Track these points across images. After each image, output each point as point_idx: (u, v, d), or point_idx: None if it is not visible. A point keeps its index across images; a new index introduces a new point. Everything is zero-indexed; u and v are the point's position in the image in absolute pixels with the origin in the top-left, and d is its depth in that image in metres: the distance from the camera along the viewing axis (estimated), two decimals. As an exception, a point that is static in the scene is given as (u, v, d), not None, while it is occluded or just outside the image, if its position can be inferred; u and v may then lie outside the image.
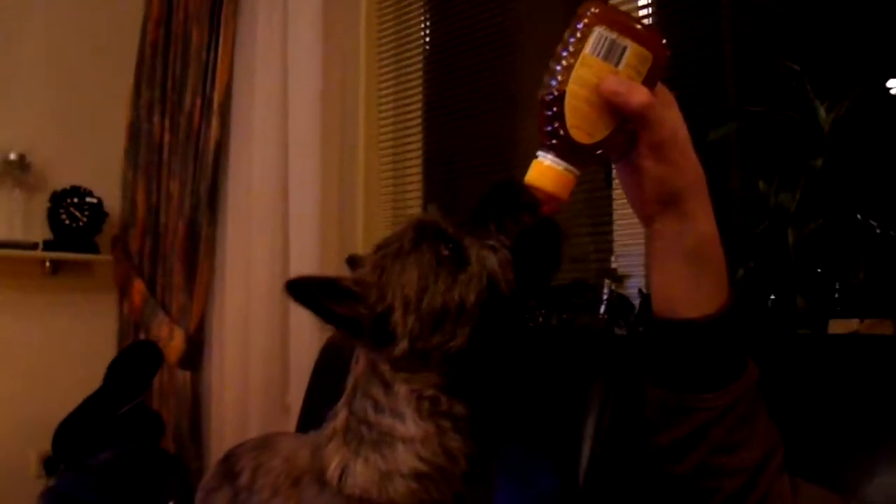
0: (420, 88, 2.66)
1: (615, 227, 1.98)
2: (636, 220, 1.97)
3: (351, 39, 2.60)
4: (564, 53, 0.72)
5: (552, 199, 0.74)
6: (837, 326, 1.38)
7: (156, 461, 1.96)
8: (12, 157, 2.78)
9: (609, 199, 1.99)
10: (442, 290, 0.78)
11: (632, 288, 1.90)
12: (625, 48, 0.72)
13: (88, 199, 2.89)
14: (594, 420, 1.30)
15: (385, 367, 0.82)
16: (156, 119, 2.93)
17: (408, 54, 2.69)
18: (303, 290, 0.78)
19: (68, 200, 2.85)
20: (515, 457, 1.34)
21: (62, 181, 2.89)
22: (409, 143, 2.67)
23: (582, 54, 0.71)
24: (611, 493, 1.23)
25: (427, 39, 2.68)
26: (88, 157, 3.01)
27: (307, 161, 2.40)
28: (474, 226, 0.81)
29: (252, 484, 1.01)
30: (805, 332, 1.39)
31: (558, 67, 0.72)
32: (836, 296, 1.42)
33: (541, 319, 2.05)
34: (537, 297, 0.87)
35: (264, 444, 1.07)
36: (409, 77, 2.69)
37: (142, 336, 2.85)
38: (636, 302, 1.86)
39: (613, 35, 0.71)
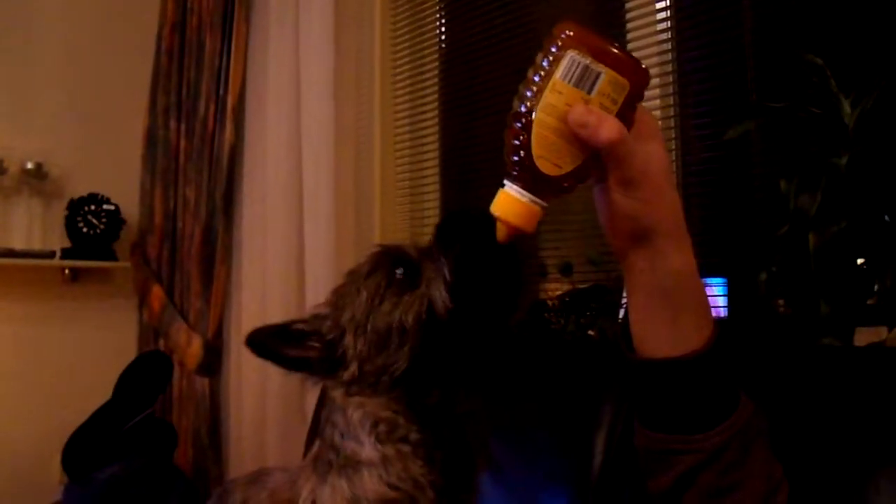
0: (436, 88, 2.62)
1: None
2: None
3: (365, 41, 2.58)
4: (536, 78, 0.66)
5: (517, 231, 0.68)
6: (864, 335, 1.31)
7: (163, 476, 1.94)
8: (29, 165, 2.79)
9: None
10: (386, 312, 0.80)
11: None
12: (598, 74, 0.65)
13: (106, 206, 2.88)
14: (605, 435, 1.25)
15: (338, 393, 0.84)
16: (172, 125, 2.92)
17: (423, 53, 2.65)
18: (259, 345, 0.84)
19: (86, 208, 2.85)
20: (524, 476, 1.29)
21: (79, 189, 2.89)
22: (426, 145, 2.63)
23: (552, 79, 0.65)
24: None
25: (443, 38, 2.64)
26: (105, 164, 3.00)
27: (321, 165, 2.37)
28: (436, 250, 0.81)
29: None
30: (829, 342, 1.32)
31: (528, 93, 0.67)
32: (865, 302, 1.36)
33: (561, 323, 2.01)
34: (486, 321, 0.81)
35: (255, 478, 1.08)
36: (425, 77, 2.65)
37: (161, 342, 2.84)
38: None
39: (587, 60, 0.65)
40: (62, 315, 2.97)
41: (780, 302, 1.53)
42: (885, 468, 0.94)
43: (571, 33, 0.65)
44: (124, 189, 2.97)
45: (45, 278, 2.91)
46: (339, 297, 0.86)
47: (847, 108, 1.41)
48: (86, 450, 2.02)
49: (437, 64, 2.62)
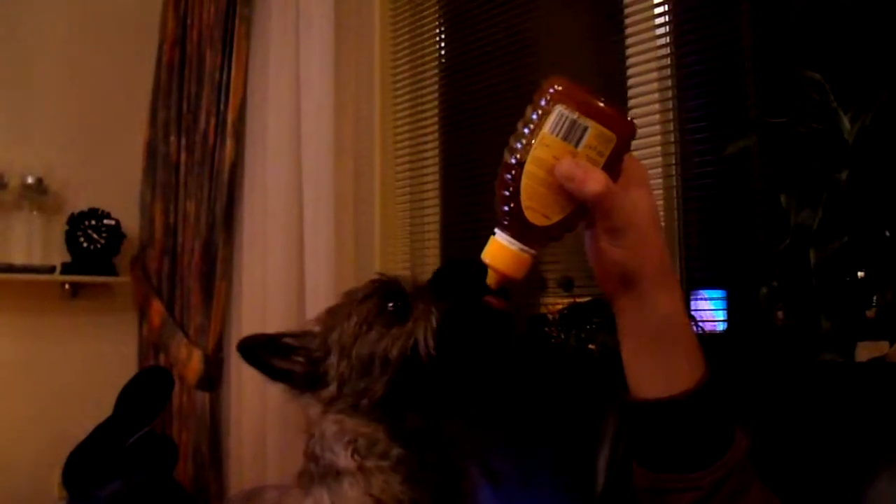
0: (436, 102, 2.63)
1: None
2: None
3: (365, 55, 2.59)
4: (525, 131, 0.69)
5: (507, 279, 0.71)
6: (866, 350, 1.31)
7: (164, 492, 1.93)
8: (30, 180, 2.79)
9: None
10: (372, 340, 0.83)
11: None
12: (585, 129, 0.68)
13: (106, 221, 2.89)
14: (608, 451, 1.25)
15: (315, 410, 0.86)
16: (172, 139, 2.93)
17: (423, 68, 2.66)
18: (250, 352, 0.87)
19: (86, 223, 2.85)
20: (524, 491, 1.29)
21: (80, 203, 2.89)
22: (426, 160, 2.64)
23: (541, 133, 0.68)
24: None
25: (443, 52, 2.64)
26: (106, 178, 3.01)
27: (321, 179, 2.38)
28: (430, 293, 0.84)
29: None
30: (830, 357, 1.32)
31: (518, 145, 0.69)
32: (866, 318, 1.35)
33: (561, 338, 2.01)
34: (466, 370, 0.85)
35: (250, 496, 1.08)
36: (425, 91, 2.65)
37: (161, 357, 2.84)
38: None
39: (574, 115, 0.67)
40: (62, 330, 2.96)
41: (780, 315, 1.53)
42: (883, 468, 0.94)
43: (560, 88, 0.68)
44: (125, 203, 2.97)
45: (46, 293, 2.90)
46: (330, 317, 0.88)
47: (847, 123, 1.41)
48: (87, 466, 2.02)
49: (437, 77, 2.63)
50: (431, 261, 2.54)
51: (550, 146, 0.68)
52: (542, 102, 0.68)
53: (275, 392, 2.42)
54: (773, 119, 1.54)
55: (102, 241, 2.87)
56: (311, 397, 0.87)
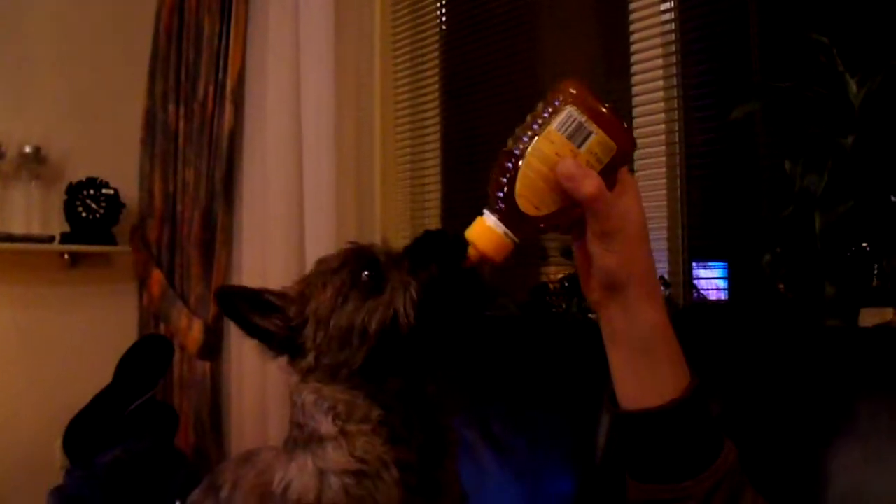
0: (437, 70, 2.60)
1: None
2: (655, 195, 1.90)
3: (365, 21, 2.56)
4: (534, 125, 0.72)
5: (486, 259, 0.74)
6: (869, 316, 1.30)
7: (165, 459, 1.94)
8: (27, 149, 2.75)
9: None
10: (349, 311, 0.82)
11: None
12: (590, 133, 0.71)
13: (105, 191, 2.86)
14: (608, 420, 1.24)
15: (294, 379, 0.86)
16: (171, 108, 2.90)
17: (424, 35, 2.63)
18: (228, 301, 0.87)
19: (85, 192, 2.82)
20: (528, 458, 1.29)
21: (78, 173, 2.86)
22: (427, 126, 2.62)
23: (548, 128, 0.72)
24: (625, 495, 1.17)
25: (443, 19, 2.61)
26: (104, 147, 2.97)
27: (322, 146, 2.35)
28: (403, 262, 0.83)
29: (230, 499, 1.04)
30: (833, 324, 1.31)
31: (524, 137, 0.72)
32: (870, 283, 1.34)
33: (563, 307, 2.00)
34: (445, 339, 0.86)
35: (247, 457, 1.10)
36: (426, 58, 2.63)
37: (162, 327, 2.83)
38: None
39: (583, 118, 0.71)
40: (62, 300, 2.95)
41: (782, 287, 1.52)
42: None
43: (574, 91, 0.72)
44: (123, 173, 2.95)
45: (45, 263, 2.89)
46: (305, 286, 0.88)
47: (854, 87, 1.39)
48: (87, 434, 2.02)
49: (437, 46, 2.60)
50: (433, 226, 2.53)
51: (555, 142, 0.71)
52: (556, 101, 0.72)
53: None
54: (778, 83, 1.52)
55: (101, 211, 2.84)
56: (291, 366, 0.87)
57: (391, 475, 0.83)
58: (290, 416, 0.89)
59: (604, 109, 0.72)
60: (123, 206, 2.93)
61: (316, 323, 0.84)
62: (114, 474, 1.86)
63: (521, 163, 0.71)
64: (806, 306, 1.40)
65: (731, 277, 1.84)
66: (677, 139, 1.90)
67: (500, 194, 0.72)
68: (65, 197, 2.83)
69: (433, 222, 2.58)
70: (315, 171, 2.36)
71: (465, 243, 0.75)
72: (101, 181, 2.86)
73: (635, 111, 1.96)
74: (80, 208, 2.81)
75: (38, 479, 2.66)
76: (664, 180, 1.89)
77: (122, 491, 1.80)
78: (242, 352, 2.60)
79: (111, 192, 2.88)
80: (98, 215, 2.84)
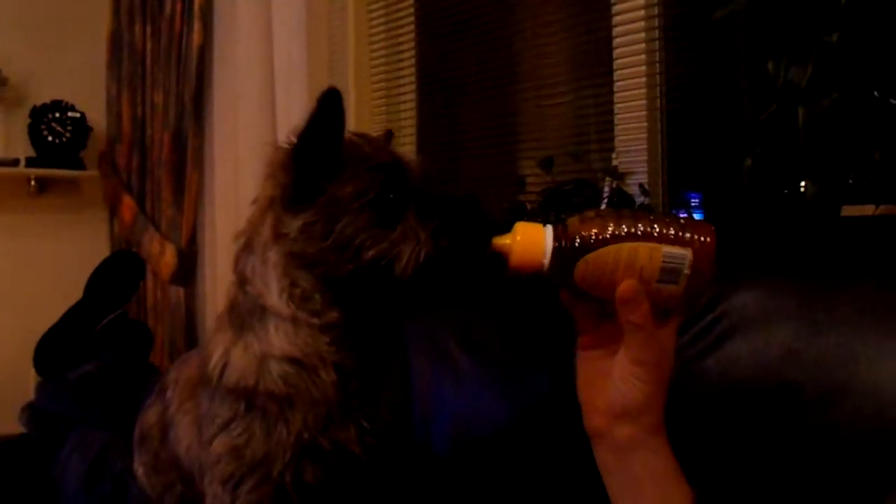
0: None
1: (616, 122, 1.87)
2: (638, 116, 1.86)
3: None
4: (655, 229, 0.70)
5: (509, 251, 0.72)
6: (851, 213, 1.28)
7: (138, 373, 1.91)
8: (-13, 71, 2.67)
9: (610, 96, 1.89)
10: (359, 226, 0.78)
11: (633, 184, 1.81)
12: (675, 283, 0.70)
13: (70, 114, 2.79)
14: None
15: (268, 232, 0.83)
16: (137, 28, 2.82)
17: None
18: (331, 100, 0.83)
19: (49, 115, 2.76)
20: (504, 354, 1.28)
21: (42, 96, 2.78)
22: (402, 45, 2.54)
23: (660, 246, 0.70)
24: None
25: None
26: (68, 69, 2.90)
27: (294, 63, 2.29)
28: (431, 207, 0.79)
29: (173, 397, 1.06)
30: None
31: (640, 226, 0.70)
32: (850, 180, 1.33)
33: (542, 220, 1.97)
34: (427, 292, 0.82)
35: (187, 358, 1.10)
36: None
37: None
38: (638, 199, 1.77)
39: (687, 271, 0.70)
40: (31, 228, 2.90)
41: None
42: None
43: (705, 241, 0.70)
44: (90, 96, 2.88)
45: (11, 190, 2.83)
46: (354, 161, 0.81)
47: (839, -18, 1.35)
48: (58, 349, 1.98)
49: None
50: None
51: (650, 261, 0.69)
52: (686, 235, 0.70)
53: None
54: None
55: (68, 135, 2.78)
56: (283, 214, 0.82)
57: (329, 375, 0.83)
58: (238, 265, 0.87)
59: (705, 278, 0.70)
60: (91, 129, 2.87)
61: (334, 204, 0.79)
62: (84, 387, 1.83)
63: (614, 241, 0.69)
64: (787, 207, 1.39)
65: (706, 206, 1.82)
66: (658, 47, 1.85)
67: (578, 236, 0.69)
68: (29, 120, 2.75)
69: (408, 151, 2.52)
70: (287, 84, 2.30)
71: (495, 230, 0.73)
72: (67, 104, 2.79)
73: (615, 31, 1.90)
74: (46, 132, 2.75)
75: (11, 404, 2.64)
76: (645, 90, 1.85)
77: (93, 403, 1.78)
78: (217, 276, 2.57)
79: (77, 115, 2.82)
80: (64, 139, 2.78)
